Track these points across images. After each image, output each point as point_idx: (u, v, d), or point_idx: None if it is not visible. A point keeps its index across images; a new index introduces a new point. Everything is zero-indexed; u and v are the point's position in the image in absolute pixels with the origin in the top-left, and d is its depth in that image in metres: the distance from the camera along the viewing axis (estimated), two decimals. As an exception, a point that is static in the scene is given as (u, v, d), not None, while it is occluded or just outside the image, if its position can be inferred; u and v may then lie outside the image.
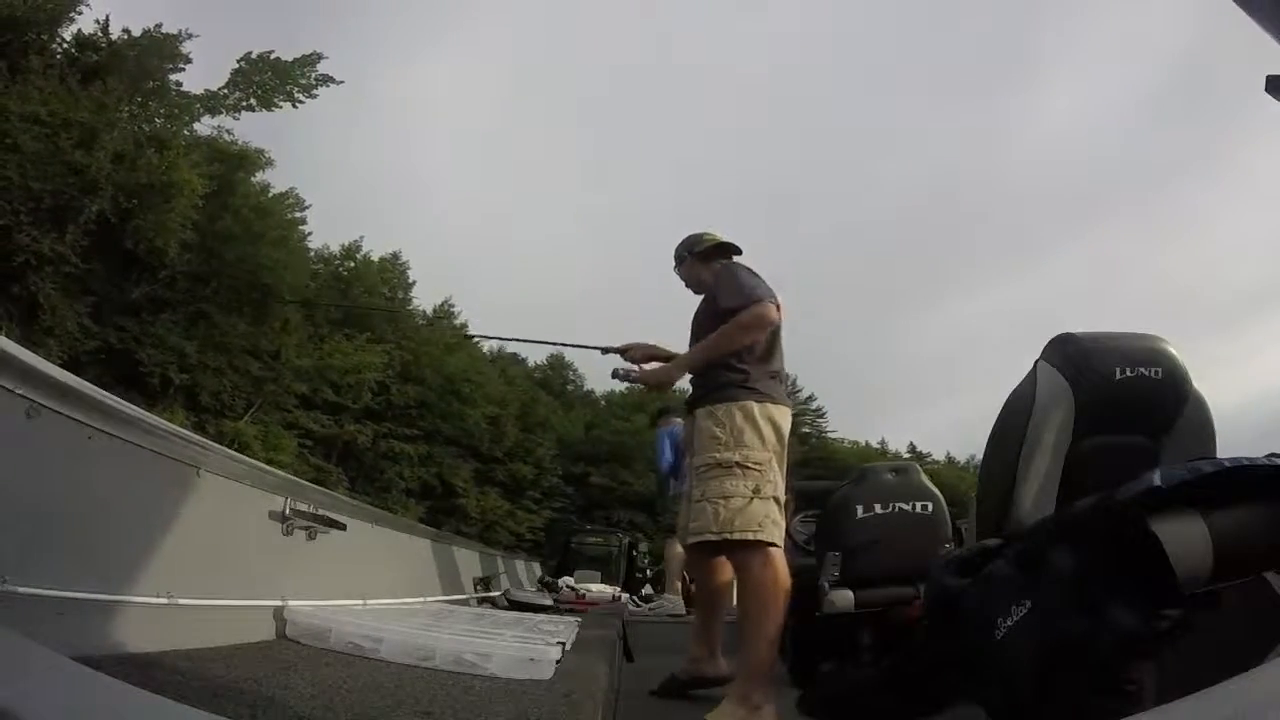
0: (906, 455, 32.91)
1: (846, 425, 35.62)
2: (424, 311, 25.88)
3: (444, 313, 26.27)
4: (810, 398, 33.77)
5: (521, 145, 48.02)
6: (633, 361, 2.49)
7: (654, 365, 2.40)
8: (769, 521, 1.95)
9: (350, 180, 36.26)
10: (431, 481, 23.05)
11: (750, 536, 1.92)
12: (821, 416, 34.02)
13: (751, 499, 1.94)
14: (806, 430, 32.60)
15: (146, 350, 16.43)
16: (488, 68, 47.07)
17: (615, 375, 2.49)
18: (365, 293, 23.52)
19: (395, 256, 25.05)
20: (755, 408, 2.01)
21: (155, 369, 16.39)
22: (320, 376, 20.20)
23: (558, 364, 31.14)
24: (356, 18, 41.22)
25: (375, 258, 24.54)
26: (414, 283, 25.61)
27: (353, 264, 24.19)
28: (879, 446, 34.01)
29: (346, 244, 24.11)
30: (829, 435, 33.58)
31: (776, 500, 1.99)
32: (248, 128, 19.27)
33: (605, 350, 2.58)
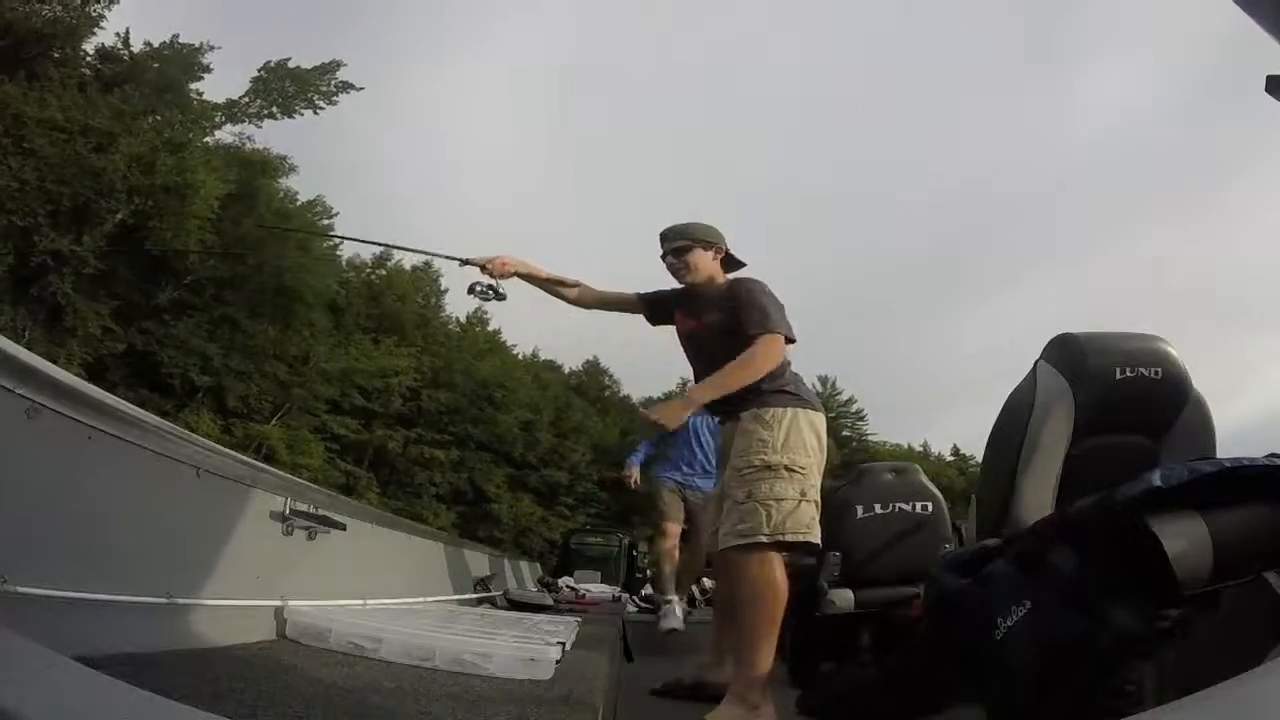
0: (950, 458, 32.36)
1: (888, 428, 34.98)
2: (457, 319, 25.99)
3: (476, 319, 26.32)
4: (850, 400, 33.21)
5: (552, 147, 47.83)
6: (495, 276, 2.32)
7: (670, 405, 2.08)
8: (815, 524, 1.99)
9: (384, 188, 36.29)
10: (463, 487, 23.08)
11: (800, 538, 1.94)
12: (862, 419, 33.65)
13: (800, 501, 1.96)
14: (847, 434, 32.29)
15: (168, 352, 16.51)
16: (519, 70, 46.97)
17: (472, 291, 2.33)
18: (398, 300, 23.60)
19: (427, 264, 25.10)
20: (800, 414, 2.03)
21: (176, 371, 16.48)
22: (347, 380, 20.27)
23: (593, 370, 31.08)
24: (385, 25, 41.20)
25: (407, 266, 24.69)
26: (446, 290, 25.68)
27: (383, 272, 24.29)
28: (921, 449, 33.48)
29: (377, 252, 24.28)
30: (869, 438, 33.11)
31: (816, 504, 2.02)
32: (278, 136, 19.50)
33: (464, 262, 2.34)
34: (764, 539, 1.92)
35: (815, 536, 1.99)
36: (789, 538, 1.93)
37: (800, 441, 2.01)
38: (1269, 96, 0.86)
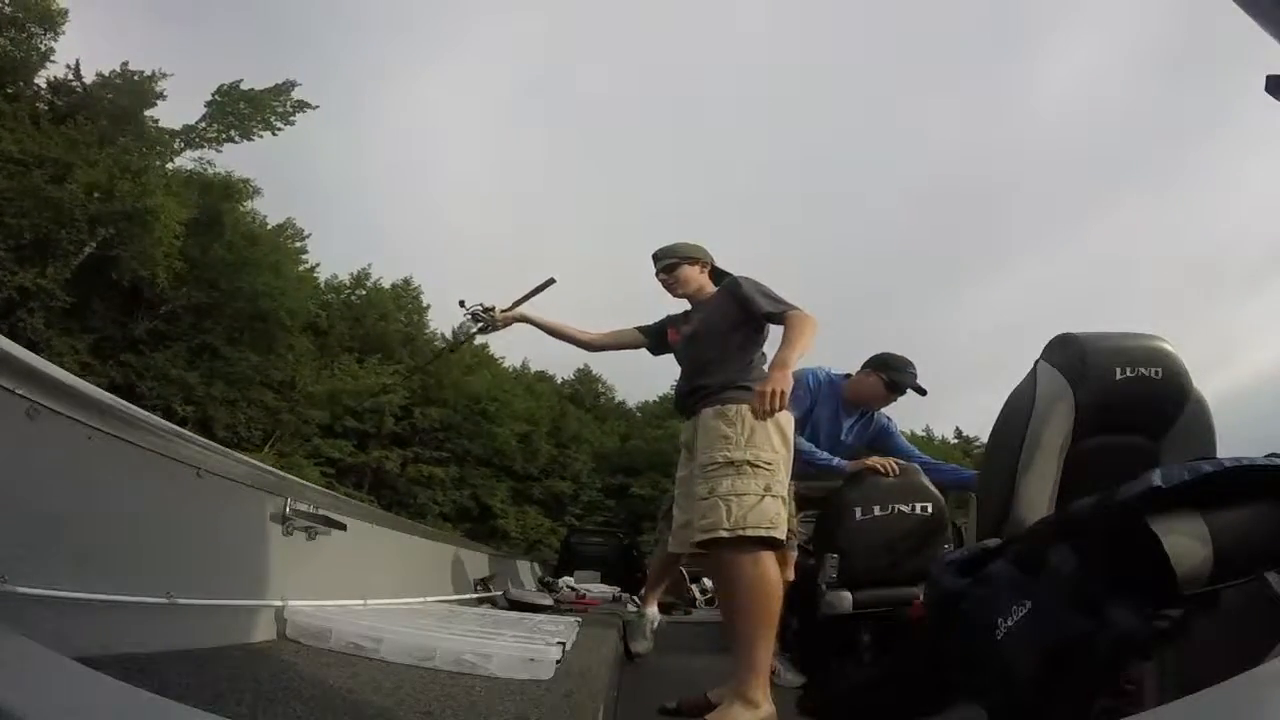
0: (954, 441, 32.13)
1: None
2: (442, 334, 26.02)
3: (463, 334, 26.21)
4: None
5: (528, 155, 47.91)
6: (488, 310, 2.63)
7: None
8: (779, 519, 1.98)
9: (357, 206, 36.42)
10: (467, 504, 23.07)
11: (763, 533, 1.94)
12: None
13: (763, 496, 1.96)
14: None
15: (147, 383, 16.46)
16: (487, 82, 47.05)
17: (468, 311, 2.67)
18: (380, 319, 23.61)
19: (407, 282, 25.16)
20: None
21: (159, 402, 16.43)
22: (335, 402, 20.27)
23: (586, 378, 31.05)
24: (355, 43, 41.38)
25: (387, 284, 24.81)
26: (428, 306, 25.75)
27: (363, 291, 24.30)
28: (924, 434, 32.71)
29: (356, 272, 24.32)
30: None
31: (783, 500, 2.02)
32: (241, 160, 19.56)
33: (475, 320, 2.69)
34: (724, 534, 1.93)
35: (779, 532, 1.97)
36: (750, 533, 1.92)
37: (765, 438, 2.01)
38: (1267, 94, 0.86)
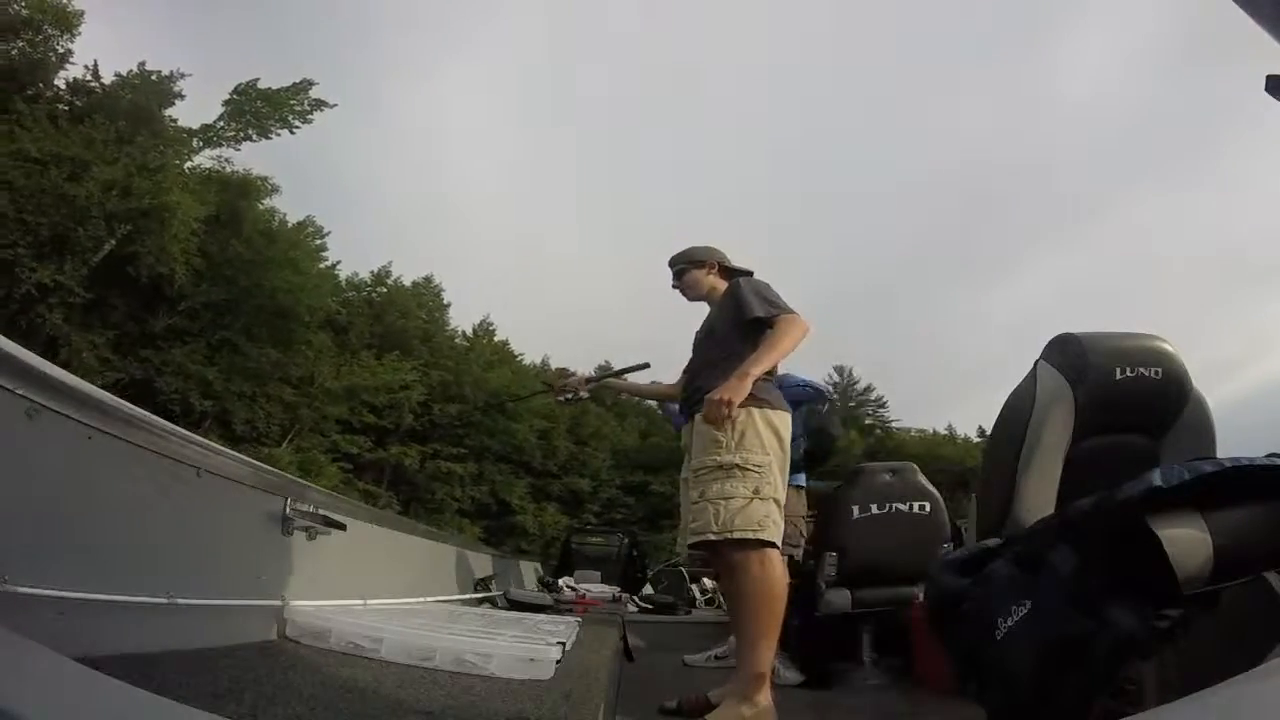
0: (976, 440, 32.03)
1: (911, 413, 34.74)
2: (463, 331, 26.08)
3: (483, 331, 26.32)
4: (869, 388, 33.23)
5: (534, 154, 47.88)
6: (571, 387, 2.97)
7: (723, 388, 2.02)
8: (769, 521, 1.97)
9: (383, 208, 36.63)
10: (485, 500, 23.10)
11: (750, 535, 1.93)
12: (883, 407, 33.05)
13: (751, 499, 1.96)
14: (869, 422, 32.43)
15: (166, 379, 16.50)
16: (506, 82, 47.07)
17: (554, 391, 3.07)
18: (400, 317, 23.70)
19: (428, 280, 25.22)
20: (756, 413, 2.03)
21: (177, 398, 16.44)
22: (354, 398, 20.33)
23: (605, 374, 30.95)
24: (371, 44, 41.46)
25: (408, 282, 24.89)
26: (449, 304, 25.86)
27: (384, 289, 24.32)
28: (946, 432, 32.65)
29: (376, 270, 24.43)
30: (892, 425, 32.76)
31: (776, 502, 2.01)
32: (261, 159, 19.63)
33: (550, 387, 3.10)
34: (712, 537, 1.95)
35: (770, 534, 1.96)
36: (737, 535, 1.93)
37: (756, 440, 2.01)
38: (1268, 95, 0.86)
